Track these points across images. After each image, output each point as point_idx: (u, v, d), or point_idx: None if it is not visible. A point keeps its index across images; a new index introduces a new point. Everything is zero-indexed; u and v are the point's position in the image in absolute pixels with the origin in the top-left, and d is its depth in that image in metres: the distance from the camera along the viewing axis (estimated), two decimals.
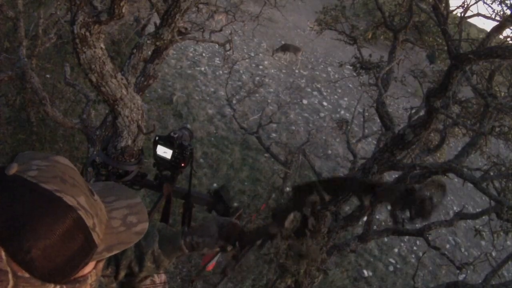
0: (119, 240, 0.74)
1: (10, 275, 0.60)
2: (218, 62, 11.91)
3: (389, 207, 0.93)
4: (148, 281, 1.40)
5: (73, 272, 0.66)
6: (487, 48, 2.46)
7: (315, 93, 12.40)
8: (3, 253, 0.59)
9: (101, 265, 0.76)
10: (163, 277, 1.49)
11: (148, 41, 1.96)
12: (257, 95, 10.56)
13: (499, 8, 2.78)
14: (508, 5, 2.79)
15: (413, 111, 3.99)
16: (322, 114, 11.29)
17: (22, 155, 0.68)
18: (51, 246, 0.61)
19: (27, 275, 0.61)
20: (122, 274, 1.14)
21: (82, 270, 0.69)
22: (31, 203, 0.61)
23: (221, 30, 4.88)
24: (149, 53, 2.50)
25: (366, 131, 5.74)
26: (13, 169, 0.62)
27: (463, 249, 8.43)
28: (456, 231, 8.77)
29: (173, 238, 1.20)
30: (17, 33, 4.18)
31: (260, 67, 12.71)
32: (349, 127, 5.11)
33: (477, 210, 6.29)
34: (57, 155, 0.70)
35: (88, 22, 1.40)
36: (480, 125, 3.39)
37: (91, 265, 0.72)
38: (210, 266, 1.26)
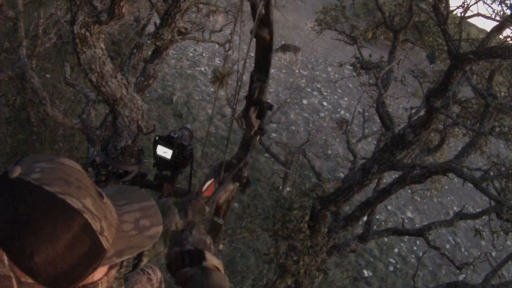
0: (130, 244, 0.71)
1: (13, 281, 0.58)
2: (218, 62, 11.91)
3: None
4: (144, 278, 1.39)
5: (80, 278, 0.64)
6: (487, 48, 2.46)
7: (315, 93, 12.40)
8: (5, 258, 0.57)
9: (113, 272, 0.74)
10: (159, 274, 1.48)
11: (148, 41, 1.96)
12: None
13: (499, 8, 2.78)
14: (508, 5, 2.79)
15: (413, 111, 3.98)
16: (322, 114, 11.29)
17: (27, 159, 0.66)
18: (55, 250, 0.59)
19: (30, 280, 0.59)
20: (145, 260, 1.12)
21: (91, 276, 0.67)
22: (34, 206, 0.59)
23: (221, 30, 4.89)
24: (149, 53, 2.51)
25: (366, 131, 5.74)
26: (17, 172, 0.61)
27: (463, 249, 8.43)
28: (456, 231, 8.77)
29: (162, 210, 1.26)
30: (17, 33, 4.18)
31: None
32: (349, 127, 5.11)
33: (477, 210, 6.29)
34: (62, 157, 0.68)
35: (88, 22, 1.40)
36: (480, 125, 3.39)
37: (101, 271, 0.70)
38: (209, 191, 1.29)
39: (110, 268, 0.72)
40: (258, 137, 1.21)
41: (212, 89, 10.52)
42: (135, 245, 0.73)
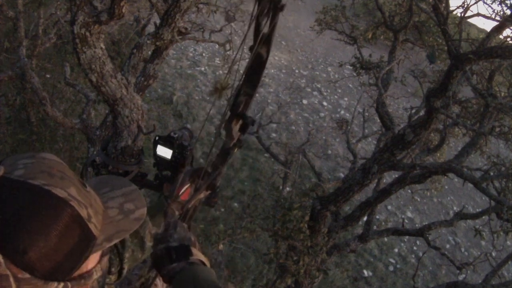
0: (118, 229, 0.73)
1: (11, 279, 0.59)
2: (218, 62, 11.90)
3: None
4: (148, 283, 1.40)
5: (75, 267, 0.65)
6: (487, 48, 2.46)
7: (315, 93, 12.40)
8: (0, 257, 0.58)
9: (105, 259, 0.76)
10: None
11: (148, 41, 1.96)
12: (257, 95, 10.56)
13: (499, 8, 2.78)
14: (508, 5, 2.79)
15: (413, 111, 3.99)
16: (322, 114, 11.29)
17: (8, 158, 0.67)
18: (47, 242, 0.60)
19: (27, 275, 0.60)
20: (126, 267, 1.14)
21: (85, 265, 0.69)
22: (21, 201, 0.60)
23: (221, 30, 4.88)
24: (149, 53, 2.51)
25: (366, 131, 5.74)
26: (0, 172, 0.62)
27: (463, 249, 8.43)
28: (456, 231, 8.77)
29: (159, 207, 1.30)
30: (17, 33, 4.18)
31: None
32: (349, 127, 5.11)
33: (477, 210, 6.29)
34: (43, 152, 0.70)
35: (88, 22, 1.40)
36: (480, 125, 3.39)
37: (94, 259, 0.71)
38: (185, 195, 1.31)
39: (102, 256, 0.74)
40: (236, 149, 1.22)
41: (212, 89, 10.51)
42: (123, 229, 0.74)
